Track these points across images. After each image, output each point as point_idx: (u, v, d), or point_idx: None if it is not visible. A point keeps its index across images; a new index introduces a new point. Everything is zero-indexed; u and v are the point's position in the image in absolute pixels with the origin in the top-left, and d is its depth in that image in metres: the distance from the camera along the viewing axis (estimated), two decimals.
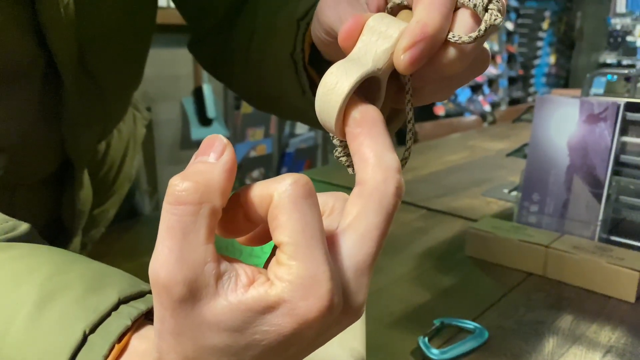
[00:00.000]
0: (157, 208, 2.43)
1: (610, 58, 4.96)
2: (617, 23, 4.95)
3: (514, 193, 0.96)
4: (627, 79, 0.83)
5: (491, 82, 5.20)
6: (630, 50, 4.85)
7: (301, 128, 3.15)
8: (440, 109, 4.65)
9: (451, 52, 0.28)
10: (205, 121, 2.62)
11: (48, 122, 0.48)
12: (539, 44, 5.53)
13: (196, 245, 0.21)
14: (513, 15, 5.51)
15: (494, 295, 0.63)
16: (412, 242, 0.78)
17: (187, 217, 0.21)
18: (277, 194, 0.22)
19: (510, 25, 5.44)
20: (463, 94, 4.81)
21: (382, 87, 0.29)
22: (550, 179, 0.74)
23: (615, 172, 0.71)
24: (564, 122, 0.73)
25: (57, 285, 0.27)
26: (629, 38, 4.90)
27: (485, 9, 0.28)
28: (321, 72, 0.44)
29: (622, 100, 0.70)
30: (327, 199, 0.27)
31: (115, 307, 0.27)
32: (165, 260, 0.21)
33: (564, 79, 5.79)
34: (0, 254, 0.30)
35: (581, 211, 0.72)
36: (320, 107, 0.28)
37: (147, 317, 0.28)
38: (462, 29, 0.28)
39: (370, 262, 0.24)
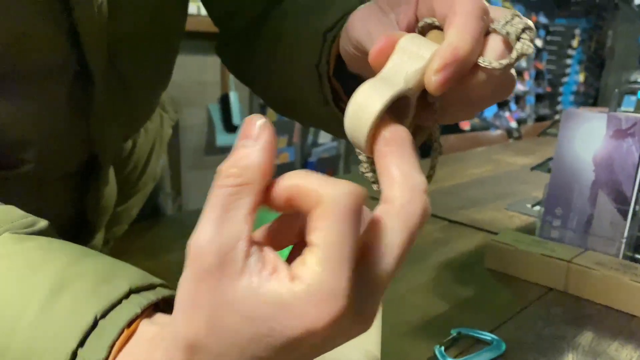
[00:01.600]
0: (180, 210, 2.46)
1: None
2: None
3: (537, 207, 0.95)
4: None
5: (518, 98, 5.15)
6: None
7: (324, 137, 3.16)
8: (466, 124, 4.62)
9: (480, 76, 0.29)
10: (230, 128, 2.64)
11: (76, 118, 0.49)
12: (568, 61, 5.46)
13: (234, 222, 0.22)
14: (542, 32, 5.47)
15: (513, 308, 0.62)
16: (432, 252, 0.77)
17: (229, 196, 0.23)
18: (330, 198, 0.22)
19: (539, 42, 5.40)
20: (489, 109, 4.78)
21: (410, 106, 0.30)
22: (575, 194, 0.73)
23: None
24: (590, 137, 0.72)
25: (71, 275, 0.28)
26: None
27: (518, 38, 0.29)
28: (345, 85, 0.45)
29: None
30: None
31: (126, 296, 0.28)
32: (204, 230, 0.22)
33: (592, 97, 5.70)
34: (18, 245, 0.31)
35: (605, 227, 0.71)
36: (350, 124, 0.28)
37: (156, 309, 0.28)
38: (493, 54, 0.29)
39: (387, 279, 0.24)
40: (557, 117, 5.31)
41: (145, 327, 0.27)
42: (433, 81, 0.28)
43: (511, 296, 0.66)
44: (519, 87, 5.09)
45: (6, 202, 0.52)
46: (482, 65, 0.29)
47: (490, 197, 1.05)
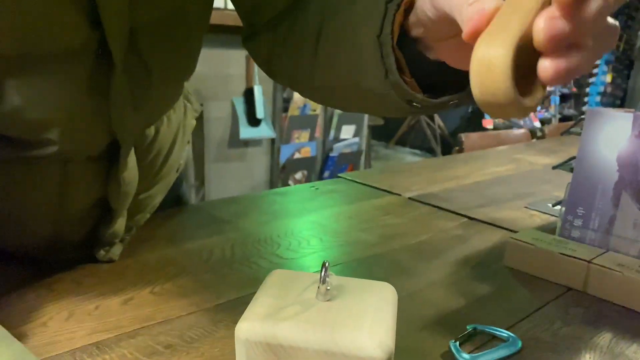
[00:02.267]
0: (203, 201, 2.48)
1: None
2: None
3: (558, 207, 0.94)
4: None
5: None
6: None
7: (346, 133, 3.16)
8: (489, 123, 4.58)
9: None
10: (253, 121, 2.66)
11: (97, 100, 0.50)
12: (596, 61, 5.37)
13: None
14: None
15: (530, 306, 0.62)
16: (450, 249, 0.77)
17: None
18: None
19: None
20: None
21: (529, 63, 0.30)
22: (597, 194, 0.72)
23: None
24: (615, 137, 0.71)
25: None
26: None
27: None
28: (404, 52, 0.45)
29: None
30: None
31: None
32: None
33: (620, 99, 5.61)
34: None
35: (628, 228, 0.70)
36: (484, 84, 0.28)
37: None
38: None
39: None
40: (582, 117, 5.23)
41: None
42: (542, 28, 0.28)
43: (529, 294, 0.65)
44: None
45: (33, 186, 0.54)
46: None
47: (511, 195, 1.05)
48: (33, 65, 0.45)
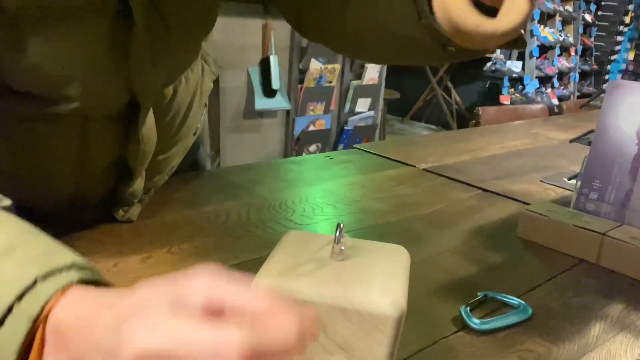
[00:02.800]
0: (220, 167, 2.50)
1: None
2: None
3: (574, 181, 0.94)
4: None
5: (562, 75, 5.00)
6: None
7: (361, 106, 3.14)
8: (506, 99, 4.53)
9: None
10: (269, 92, 2.65)
11: (117, 56, 0.51)
12: (619, 38, 5.26)
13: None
14: (593, 7, 5.26)
15: (542, 276, 0.62)
16: (463, 219, 0.77)
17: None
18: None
19: (588, 17, 5.19)
20: (531, 84, 4.66)
21: None
22: (615, 167, 0.72)
23: None
24: (636, 110, 0.70)
25: (20, 243, 0.30)
26: None
27: None
28: None
29: None
30: None
31: (69, 268, 0.29)
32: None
33: None
34: None
35: None
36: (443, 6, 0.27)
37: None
38: None
39: None
40: (602, 91, 5.15)
41: (80, 290, 0.28)
42: None
43: (541, 265, 0.66)
44: (564, 63, 4.93)
45: (53, 143, 0.54)
46: None
47: (527, 169, 1.04)
48: (53, 19, 0.45)
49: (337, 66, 2.87)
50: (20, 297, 0.27)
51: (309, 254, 0.41)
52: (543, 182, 0.97)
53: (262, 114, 2.74)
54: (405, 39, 0.48)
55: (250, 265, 0.58)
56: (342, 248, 0.41)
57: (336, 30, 0.57)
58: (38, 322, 0.27)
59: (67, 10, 0.45)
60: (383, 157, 1.05)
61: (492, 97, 4.69)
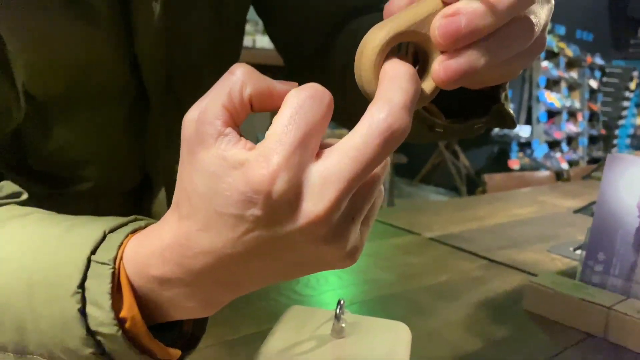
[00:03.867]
0: None
1: None
2: None
3: (579, 251, 0.93)
4: None
5: (570, 139, 5.05)
6: None
7: None
8: (515, 163, 4.56)
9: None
10: None
11: (133, 139, 0.53)
12: (625, 104, 5.33)
13: (215, 104, 0.26)
14: (598, 74, 5.36)
15: (549, 351, 0.62)
16: (469, 290, 0.77)
17: (222, 80, 0.28)
18: (293, 90, 0.27)
19: (594, 83, 5.29)
20: (540, 149, 4.70)
21: (430, 58, 0.29)
22: (618, 239, 0.72)
23: None
24: (636, 182, 0.71)
25: (81, 219, 0.34)
26: None
27: None
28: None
29: None
30: None
31: (133, 220, 0.33)
32: (194, 106, 0.28)
33: None
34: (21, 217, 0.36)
35: None
36: (357, 62, 0.29)
37: None
38: None
39: (341, 177, 0.25)
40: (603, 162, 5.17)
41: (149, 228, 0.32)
42: (437, 27, 0.27)
43: (548, 339, 0.65)
44: (572, 128, 4.98)
45: None
46: None
47: (533, 238, 1.04)
48: (78, 106, 0.48)
49: (345, 132, 2.92)
50: (94, 251, 0.30)
51: (309, 331, 0.42)
52: (549, 251, 0.96)
53: None
54: None
55: (252, 338, 0.58)
56: (343, 325, 0.41)
57: (339, 111, 0.59)
58: (118, 263, 0.30)
59: (89, 97, 0.48)
60: (388, 224, 1.06)
61: (500, 161, 4.72)
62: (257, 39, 2.62)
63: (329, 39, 0.57)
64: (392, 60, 0.28)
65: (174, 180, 0.67)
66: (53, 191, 0.53)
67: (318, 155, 0.26)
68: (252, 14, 0.64)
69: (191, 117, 0.27)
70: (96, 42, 0.45)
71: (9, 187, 0.40)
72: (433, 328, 0.65)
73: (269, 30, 0.62)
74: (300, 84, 0.64)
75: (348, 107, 0.56)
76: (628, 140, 5.43)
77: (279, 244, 0.26)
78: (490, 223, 1.13)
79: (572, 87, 5.06)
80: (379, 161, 0.26)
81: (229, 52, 0.59)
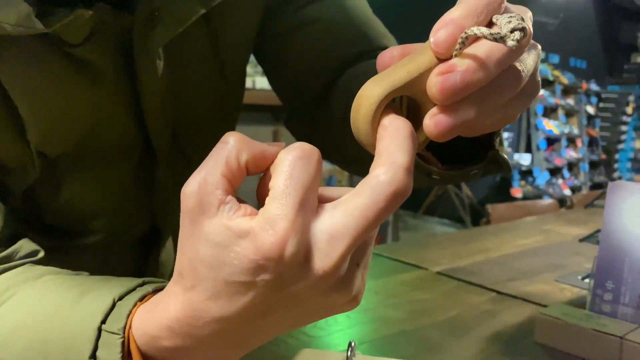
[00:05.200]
0: None
1: None
2: None
3: (587, 280, 0.93)
4: None
5: (571, 165, 5.05)
6: None
7: None
8: (517, 191, 4.55)
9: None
10: None
11: (141, 191, 0.54)
12: (623, 128, 5.36)
13: (214, 173, 0.27)
14: (594, 100, 5.41)
15: None
16: (479, 325, 0.77)
17: (216, 150, 0.29)
18: (282, 152, 0.28)
19: (591, 109, 5.33)
20: (542, 176, 4.70)
21: (423, 112, 0.30)
22: (625, 268, 0.72)
23: None
24: (638, 210, 0.71)
25: (93, 282, 0.34)
26: None
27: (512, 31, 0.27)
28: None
29: None
30: (346, 190, 0.30)
31: (141, 284, 0.33)
32: (192, 178, 0.28)
33: None
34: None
35: None
36: (353, 117, 0.30)
37: None
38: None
39: (346, 235, 0.26)
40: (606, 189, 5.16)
41: (156, 296, 0.32)
42: (434, 83, 0.28)
43: None
44: (572, 154, 5.00)
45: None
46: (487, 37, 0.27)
47: (541, 268, 1.04)
48: (87, 162, 0.49)
49: None
50: (105, 319, 0.31)
51: None
52: (558, 281, 0.96)
53: None
54: None
55: None
56: None
57: (339, 157, 0.60)
58: (127, 332, 0.30)
59: (98, 154, 0.49)
60: (396, 260, 1.06)
61: (503, 189, 4.72)
62: (257, 80, 2.66)
63: (329, 86, 0.58)
64: (391, 116, 0.29)
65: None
66: (64, 243, 0.53)
67: (318, 208, 0.27)
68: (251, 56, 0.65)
69: (191, 189, 0.28)
70: (104, 103, 0.47)
71: (27, 246, 0.41)
72: None
73: (269, 77, 0.64)
74: (301, 128, 0.65)
75: (348, 151, 0.57)
76: (629, 164, 5.43)
77: (289, 300, 0.27)
78: (496, 254, 1.12)
79: (569, 113, 5.09)
80: (383, 219, 0.27)
81: (231, 104, 0.60)
